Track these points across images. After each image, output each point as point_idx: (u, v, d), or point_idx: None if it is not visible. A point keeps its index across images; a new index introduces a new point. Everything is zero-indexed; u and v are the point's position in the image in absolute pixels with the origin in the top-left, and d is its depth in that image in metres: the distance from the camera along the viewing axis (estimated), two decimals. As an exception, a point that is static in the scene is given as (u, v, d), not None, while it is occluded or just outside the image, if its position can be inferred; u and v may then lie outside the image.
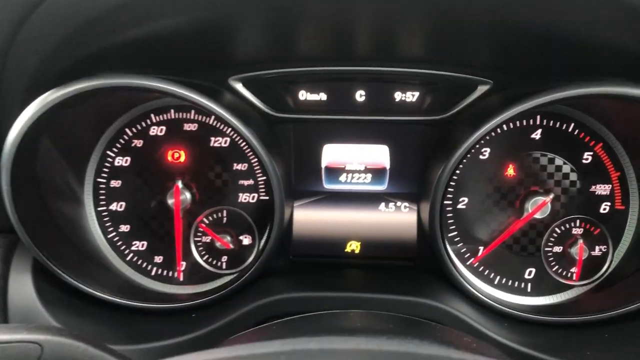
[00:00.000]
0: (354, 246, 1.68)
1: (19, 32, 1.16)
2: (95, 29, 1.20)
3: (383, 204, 1.66)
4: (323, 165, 1.66)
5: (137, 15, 1.17)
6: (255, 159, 1.59)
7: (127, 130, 1.61)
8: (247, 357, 0.68)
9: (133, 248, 1.66)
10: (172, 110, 1.60)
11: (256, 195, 1.63)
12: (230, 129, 1.59)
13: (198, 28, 1.29)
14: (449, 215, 1.60)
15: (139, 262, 1.66)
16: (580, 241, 1.55)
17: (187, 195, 1.59)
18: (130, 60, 1.39)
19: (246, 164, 1.62)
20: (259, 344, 0.70)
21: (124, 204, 1.64)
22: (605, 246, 1.57)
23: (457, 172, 1.54)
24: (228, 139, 1.61)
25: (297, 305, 1.46)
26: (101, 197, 1.63)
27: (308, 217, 1.67)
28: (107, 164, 1.62)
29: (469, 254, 1.61)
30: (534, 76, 1.48)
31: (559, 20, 1.15)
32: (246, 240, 1.64)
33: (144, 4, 1.12)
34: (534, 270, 1.61)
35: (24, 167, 1.34)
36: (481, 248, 1.60)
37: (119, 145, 1.62)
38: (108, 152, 1.62)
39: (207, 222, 1.62)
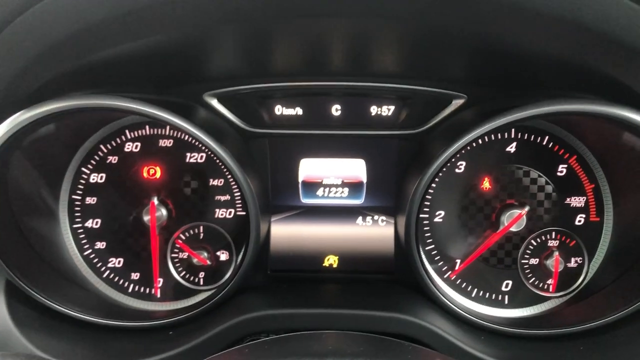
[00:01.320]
0: (331, 260, 1.67)
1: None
2: (64, 50, 1.18)
3: (360, 217, 1.66)
4: (300, 179, 1.65)
5: (107, 36, 1.15)
6: (231, 175, 1.58)
7: (102, 146, 1.60)
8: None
9: (109, 265, 1.64)
10: (147, 127, 1.59)
11: (233, 210, 1.62)
12: (204, 145, 1.58)
13: (172, 46, 1.28)
14: (425, 228, 1.60)
15: (116, 279, 1.65)
16: (556, 253, 1.56)
17: (163, 211, 1.58)
18: (102, 78, 1.38)
19: (222, 180, 1.61)
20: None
21: (99, 220, 1.62)
22: (580, 258, 1.58)
23: (433, 185, 1.54)
24: (204, 155, 1.60)
25: (275, 322, 1.45)
26: (76, 214, 1.62)
27: (285, 232, 1.67)
28: (82, 181, 1.61)
29: (446, 267, 1.61)
30: (508, 90, 1.49)
31: (527, 39, 1.16)
32: (223, 255, 1.63)
33: (115, 26, 1.11)
34: (510, 282, 1.62)
35: (-6, 188, 1.33)
36: (458, 261, 1.61)
37: (93, 162, 1.60)
38: (83, 169, 1.60)
39: (183, 238, 1.61)
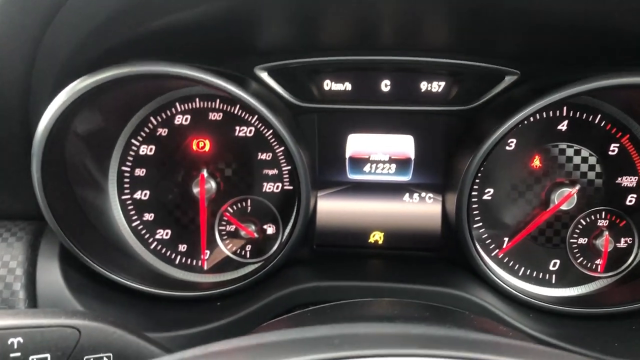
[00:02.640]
0: (377, 237, 1.67)
1: (52, 23, 1.16)
2: (123, 19, 1.20)
3: (407, 194, 1.66)
4: (347, 155, 1.66)
5: (164, 5, 1.16)
6: (280, 149, 1.59)
7: (152, 119, 1.61)
8: (295, 341, 0.68)
9: (157, 236, 1.66)
10: (197, 99, 1.60)
11: (280, 184, 1.63)
12: (255, 119, 1.59)
13: (224, 17, 1.29)
14: (474, 206, 1.59)
15: (163, 251, 1.67)
16: (606, 233, 1.55)
17: (212, 184, 1.59)
18: (157, 48, 1.39)
19: (271, 154, 1.62)
20: (307, 329, 0.69)
21: (148, 192, 1.64)
22: (630, 238, 1.57)
23: (484, 163, 1.53)
24: (253, 129, 1.61)
25: (321, 294, 1.46)
26: (125, 185, 1.64)
27: (332, 207, 1.67)
28: (131, 153, 1.62)
29: (494, 245, 1.61)
30: (562, 66, 1.48)
31: (586, 10, 1.14)
32: (270, 229, 1.64)
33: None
34: (558, 261, 1.60)
35: (54, 154, 1.35)
36: (506, 239, 1.60)
37: (143, 134, 1.62)
38: (132, 141, 1.62)
39: (231, 211, 1.62)
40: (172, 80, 1.37)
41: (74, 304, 1.39)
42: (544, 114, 1.54)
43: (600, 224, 1.57)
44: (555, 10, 1.20)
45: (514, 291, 1.50)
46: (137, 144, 1.62)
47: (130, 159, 1.63)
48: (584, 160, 1.56)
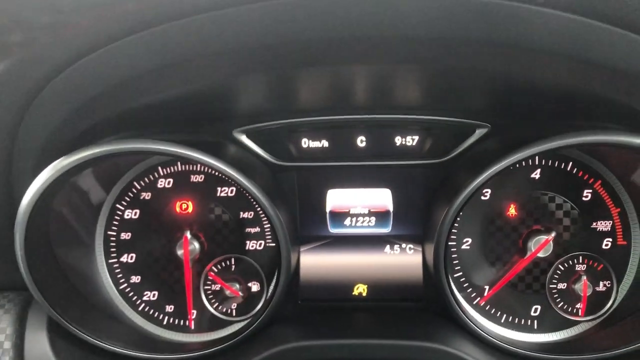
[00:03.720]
0: (361, 289, 1.70)
1: (31, 106, 1.20)
2: (102, 101, 1.24)
3: (388, 246, 1.69)
4: (327, 209, 1.69)
5: (141, 88, 1.21)
6: (260, 208, 1.62)
7: (136, 183, 1.65)
8: None
9: (144, 298, 1.69)
10: (179, 163, 1.64)
11: (263, 242, 1.66)
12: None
13: (202, 92, 1.34)
14: (453, 256, 1.62)
15: (151, 312, 1.69)
16: (584, 277, 1.57)
17: (196, 245, 1.62)
18: (136, 121, 1.43)
19: (252, 212, 1.65)
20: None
21: (134, 255, 1.67)
22: (609, 281, 1.58)
23: (460, 213, 1.56)
24: (234, 189, 1.64)
25: (307, 353, 1.48)
26: (112, 249, 1.67)
27: (315, 262, 1.70)
28: (117, 217, 1.66)
29: (475, 294, 1.63)
30: (531, 119, 1.52)
31: (544, 75, 1.19)
32: (255, 287, 1.66)
33: (149, 79, 1.17)
34: (539, 307, 1.63)
35: (37, 228, 1.38)
36: (487, 288, 1.62)
37: (128, 199, 1.65)
38: (117, 206, 1.65)
39: (215, 270, 1.65)
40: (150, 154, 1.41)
41: (63, 375, 1.42)
42: (517, 164, 1.56)
43: (578, 269, 1.59)
44: (518, 73, 1.25)
45: (495, 340, 1.52)
46: (122, 208, 1.66)
47: (116, 223, 1.66)
48: (559, 207, 1.59)
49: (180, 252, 1.61)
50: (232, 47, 1.09)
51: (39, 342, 1.44)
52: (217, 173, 1.63)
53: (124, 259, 1.67)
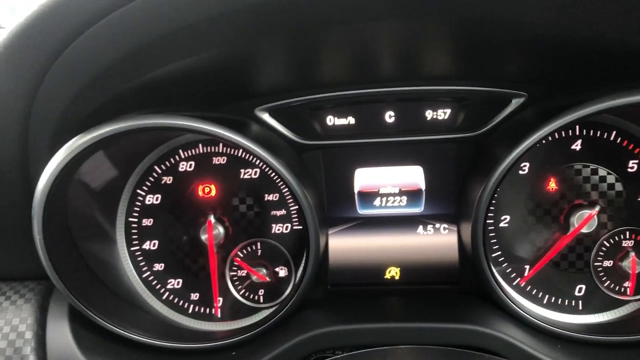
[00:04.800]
0: (393, 272, 1.63)
1: (43, 81, 1.15)
2: (118, 72, 1.18)
3: (421, 226, 1.61)
4: (356, 190, 1.62)
5: (156, 56, 1.15)
6: (287, 189, 1.56)
7: (156, 167, 1.59)
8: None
9: (169, 286, 1.63)
10: (200, 145, 1.58)
11: (289, 225, 1.59)
12: (259, 160, 1.56)
13: (221, 63, 1.27)
14: (491, 234, 1.54)
15: (176, 301, 1.63)
16: (632, 254, 1.48)
17: (220, 229, 1.56)
18: (155, 98, 1.37)
19: (277, 194, 1.59)
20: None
21: (157, 242, 1.61)
22: (659, 257, 1.49)
23: (497, 189, 1.48)
24: (258, 170, 1.58)
25: (338, 339, 1.42)
26: (134, 236, 1.62)
27: (344, 245, 1.63)
28: (138, 203, 1.60)
29: (514, 274, 1.54)
30: (569, 86, 1.43)
31: (591, 30, 1.10)
32: (282, 272, 1.60)
33: (165, 45, 1.10)
34: (584, 286, 1.53)
35: (55, 214, 1.33)
36: (527, 267, 1.53)
37: (148, 184, 1.60)
38: (138, 191, 1.60)
39: (241, 255, 1.59)
40: (171, 131, 1.35)
41: (86, 364, 1.36)
42: (556, 135, 1.48)
43: (626, 245, 1.50)
44: (557, 34, 1.16)
45: (539, 321, 1.43)
46: (143, 193, 1.60)
47: (137, 209, 1.61)
48: (602, 179, 1.50)
49: (204, 238, 1.55)
50: (250, 3, 1.01)
51: (61, 332, 1.39)
52: (240, 154, 1.57)
53: (146, 246, 1.62)
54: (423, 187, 1.60)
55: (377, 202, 1.62)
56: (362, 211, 1.63)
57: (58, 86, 1.19)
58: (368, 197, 1.62)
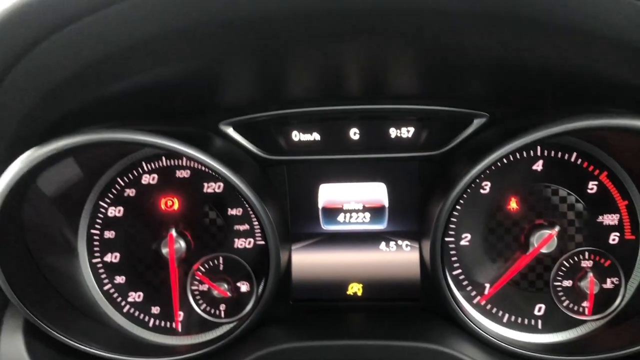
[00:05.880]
0: (355, 288, 1.62)
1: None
2: (77, 83, 1.17)
3: (384, 243, 1.62)
4: (320, 206, 1.62)
5: (116, 70, 1.14)
6: (249, 204, 1.55)
7: (119, 180, 1.58)
8: None
9: (129, 299, 1.62)
10: (164, 158, 1.57)
11: (252, 240, 1.59)
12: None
13: (184, 77, 1.27)
14: (452, 252, 1.54)
15: (136, 314, 1.62)
16: (590, 274, 1.49)
17: (182, 243, 1.54)
18: (117, 110, 1.37)
19: (241, 209, 1.58)
20: None
21: (118, 254, 1.60)
22: (617, 278, 1.50)
23: (458, 207, 1.49)
24: (221, 184, 1.57)
25: (298, 355, 1.41)
26: (95, 248, 1.60)
27: (307, 260, 1.63)
28: (100, 215, 1.59)
29: (475, 293, 1.55)
30: (531, 108, 1.44)
31: (554, 56, 1.11)
32: (244, 287, 1.59)
33: (126, 58, 1.09)
34: (543, 306, 1.54)
35: (9, 226, 1.32)
36: (487, 286, 1.54)
37: (111, 196, 1.59)
38: (101, 203, 1.59)
39: (203, 270, 1.58)
40: (131, 145, 1.35)
41: (39, 379, 1.35)
42: (517, 155, 1.50)
43: (584, 265, 1.51)
44: (520, 57, 1.17)
45: (498, 341, 1.44)
46: (106, 206, 1.59)
47: (99, 221, 1.59)
48: (563, 200, 1.51)
49: (165, 251, 1.54)
50: (215, 20, 1.01)
51: (14, 347, 1.37)
52: (203, 168, 1.56)
53: (107, 258, 1.60)
54: (386, 203, 1.60)
55: (340, 217, 1.62)
56: (326, 227, 1.63)
57: (14, 97, 1.17)
58: (332, 212, 1.62)
